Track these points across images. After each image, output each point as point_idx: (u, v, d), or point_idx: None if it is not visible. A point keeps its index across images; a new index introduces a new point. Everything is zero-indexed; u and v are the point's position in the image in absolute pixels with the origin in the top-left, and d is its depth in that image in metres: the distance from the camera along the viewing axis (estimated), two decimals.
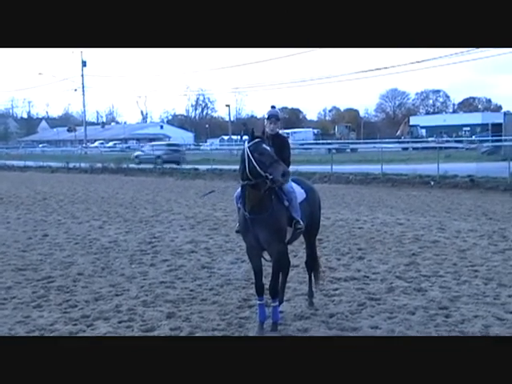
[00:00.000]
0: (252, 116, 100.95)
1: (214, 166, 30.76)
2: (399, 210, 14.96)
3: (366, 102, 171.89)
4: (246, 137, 5.95)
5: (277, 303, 6.10)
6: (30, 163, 42.31)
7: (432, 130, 67.64)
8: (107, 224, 13.40)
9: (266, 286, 6.14)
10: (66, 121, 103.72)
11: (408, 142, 52.30)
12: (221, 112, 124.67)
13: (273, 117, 6.21)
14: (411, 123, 68.91)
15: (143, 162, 36.94)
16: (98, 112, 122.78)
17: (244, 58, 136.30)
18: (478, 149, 34.98)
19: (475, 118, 73.39)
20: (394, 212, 14.62)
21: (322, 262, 7.26)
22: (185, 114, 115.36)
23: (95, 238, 11.47)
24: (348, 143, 55.62)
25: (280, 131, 6.50)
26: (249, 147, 5.66)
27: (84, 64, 66.68)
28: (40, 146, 76.78)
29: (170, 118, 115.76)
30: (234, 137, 69.43)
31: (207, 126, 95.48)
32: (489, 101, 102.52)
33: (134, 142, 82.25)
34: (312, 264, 6.95)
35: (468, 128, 69.28)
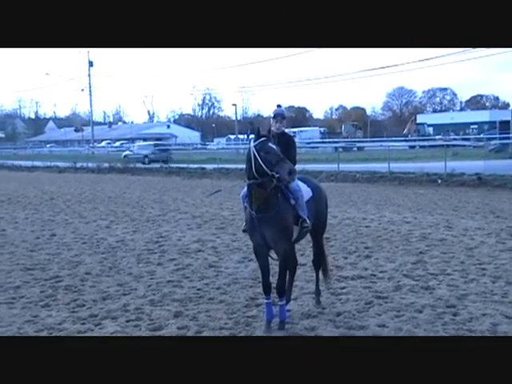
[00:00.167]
0: (258, 115, 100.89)
1: (221, 165, 30.78)
2: (406, 209, 14.92)
3: (372, 101, 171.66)
4: (252, 136, 5.95)
5: (284, 302, 6.10)
6: (37, 163, 42.51)
7: (439, 128, 67.40)
8: (114, 223, 13.45)
9: (274, 285, 6.15)
10: (73, 121, 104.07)
11: (415, 140, 52.17)
12: (227, 111, 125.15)
13: (279, 115, 6.21)
14: (418, 121, 68.65)
15: (131, 161, 38.01)
16: (104, 112, 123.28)
17: (250, 58, 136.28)
18: (486, 146, 34.86)
19: (483, 116, 73.03)
20: (401, 210, 14.59)
21: (329, 260, 7.26)
22: (191, 113, 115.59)
23: (102, 238, 11.51)
24: (355, 142, 55.59)
25: (286, 130, 6.50)
26: (255, 146, 5.66)
27: (91, 64, 66.91)
28: (47, 146, 77.18)
29: (177, 117, 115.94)
30: (241, 136, 69.43)
31: (214, 125, 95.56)
32: (496, 98, 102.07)
33: (141, 141, 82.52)
34: (320, 262, 6.94)
35: (475, 126, 68.96)
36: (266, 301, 6.09)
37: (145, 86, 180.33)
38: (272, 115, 6.25)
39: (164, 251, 10.11)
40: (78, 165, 39.22)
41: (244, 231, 6.38)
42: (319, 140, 61.67)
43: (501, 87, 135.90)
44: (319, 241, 6.91)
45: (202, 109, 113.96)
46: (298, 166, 6.03)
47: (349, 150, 45.70)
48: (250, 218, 5.93)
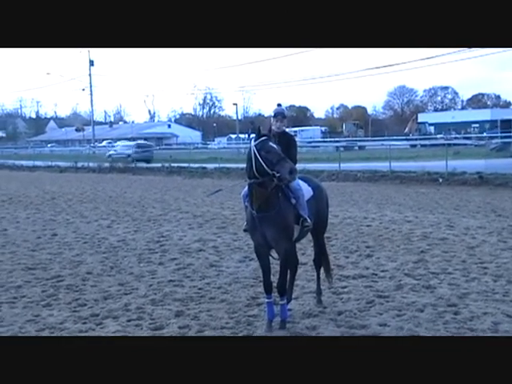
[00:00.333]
0: (259, 114, 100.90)
1: (222, 165, 30.79)
2: (407, 208, 14.91)
3: (373, 100, 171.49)
4: (253, 135, 5.95)
5: (285, 301, 6.10)
6: (38, 163, 42.55)
7: (440, 127, 67.36)
8: (116, 223, 13.46)
9: (275, 284, 6.15)
10: (74, 120, 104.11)
11: (416, 139, 52.12)
12: (228, 111, 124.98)
13: (279, 115, 6.21)
14: (419, 120, 68.67)
15: (116, 160, 39.12)
16: (105, 111, 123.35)
17: (251, 57, 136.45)
18: (487, 145, 34.83)
19: (484, 115, 72.97)
20: (402, 209, 14.58)
21: (330, 259, 7.26)
22: (192, 112, 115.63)
23: (104, 237, 11.52)
24: (356, 141, 55.57)
25: (287, 129, 6.49)
26: (255, 145, 5.66)
27: (92, 63, 66.91)
28: (48, 145, 77.22)
29: (178, 116, 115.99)
30: (242, 135, 69.46)
31: (215, 124, 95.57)
32: (498, 97, 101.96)
33: (142, 141, 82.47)
34: (321, 261, 6.94)
35: (477, 125, 68.90)
36: (267, 300, 6.09)
37: (146, 85, 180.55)
38: (272, 114, 6.25)
39: (165, 251, 10.12)
40: (79, 164, 39.28)
41: (245, 230, 6.38)
42: (320, 139, 61.64)
43: (502, 86, 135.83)
44: (320, 240, 6.91)
45: (203, 108, 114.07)
46: (298, 166, 6.03)
47: (350, 149, 45.69)
48: (250, 218, 5.93)
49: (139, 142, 51.40)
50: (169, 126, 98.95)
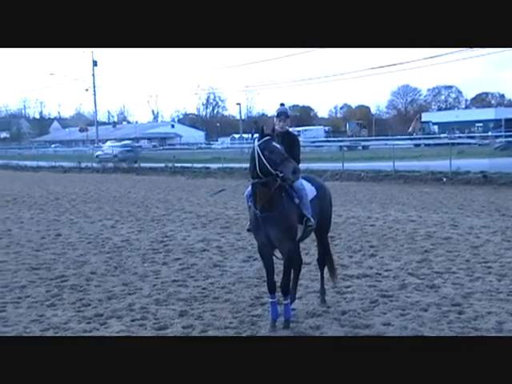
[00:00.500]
0: (263, 114, 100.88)
1: (225, 165, 30.77)
2: (411, 207, 14.89)
3: (377, 99, 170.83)
4: (256, 135, 5.95)
5: (288, 301, 6.10)
6: (42, 163, 42.61)
7: (444, 127, 67.15)
8: (119, 223, 13.48)
9: (278, 284, 6.15)
10: (78, 121, 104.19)
11: (420, 139, 52.01)
12: (232, 110, 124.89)
13: (282, 114, 6.21)
14: (423, 119, 68.46)
15: (103, 160, 40.45)
16: (109, 112, 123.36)
17: (254, 57, 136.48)
18: (491, 144, 34.73)
19: (488, 114, 72.73)
20: (406, 209, 14.56)
21: (334, 259, 7.26)
22: (196, 112, 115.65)
23: (108, 237, 11.54)
24: (359, 140, 55.50)
25: (290, 129, 6.49)
26: (259, 145, 5.66)
27: (95, 64, 66.87)
28: (52, 146, 77.30)
29: (181, 116, 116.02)
30: (245, 135, 69.43)
31: (218, 124, 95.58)
32: (502, 96, 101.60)
33: (146, 141, 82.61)
34: (325, 261, 6.94)
35: (481, 124, 68.72)
36: (270, 300, 6.10)
37: (149, 85, 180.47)
38: (276, 114, 6.25)
39: (169, 251, 10.13)
40: (83, 165, 39.36)
41: (248, 230, 6.38)
42: (324, 139, 61.58)
43: (506, 85, 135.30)
44: (324, 240, 6.91)
45: (207, 108, 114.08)
46: (302, 165, 6.03)
47: (353, 149, 45.58)
48: (254, 218, 5.93)
49: (125, 142, 52.92)
50: (172, 126, 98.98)
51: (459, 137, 49.39)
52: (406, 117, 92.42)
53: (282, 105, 6.35)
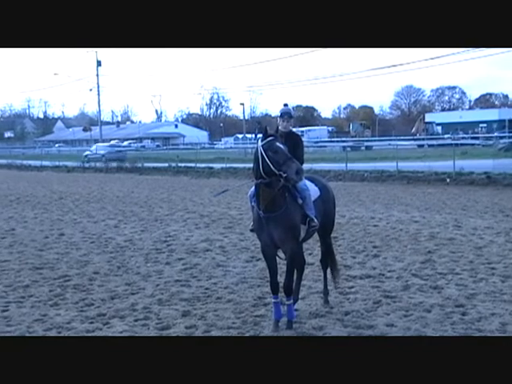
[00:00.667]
0: (266, 114, 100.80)
1: (229, 165, 30.79)
2: (415, 208, 14.87)
3: (380, 99, 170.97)
4: (260, 135, 5.95)
5: (291, 301, 6.09)
6: (46, 163, 42.74)
7: (448, 127, 67.08)
8: (123, 223, 13.49)
9: (281, 284, 6.14)
10: (82, 120, 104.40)
11: (423, 139, 51.95)
12: (235, 110, 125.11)
13: (286, 114, 6.20)
14: (427, 120, 68.41)
15: (91, 160, 41.97)
16: (113, 111, 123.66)
17: (258, 57, 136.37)
18: (495, 145, 34.67)
19: (492, 115, 72.65)
20: (409, 209, 14.54)
21: (337, 259, 7.25)
22: (199, 112, 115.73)
23: (111, 237, 11.55)
24: (363, 141, 55.45)
25: (293, 129, 6.48)
26: (262, 145, 5.66)
27: (99, 64, 66.91)
28: (56, 145, 77.50)
29: (185, 116, 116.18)
30: (249, 135, 69.46)
31: (222, 124, 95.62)
32: (506, 96, 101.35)
33: (149, 141, 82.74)
34: (328, 261, 6.93)
35: (484, 124, 68.61)
36: (273, 300, 6.09)
37: (153, 85, 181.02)
38: (279, 114, 6.25)
39: (172, 250, 10.13)
40: (87, 164, 39.47)
41: (252, 231, 6.38)
42: (327, 139, 61.58)
43: (510, 86, 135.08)
44: (327, 240, 6.90)
45: (210, 108, 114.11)
46: (305, 166, 6.02)
47: (357, 149, 45.56)
48: (257, 218, 5.93)
49: (112, 143, 54.60)
50: (176, 125, 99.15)
51: (463, 137, 49.34)
52: (409, 117, 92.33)
53: (286, 105, 6.35)
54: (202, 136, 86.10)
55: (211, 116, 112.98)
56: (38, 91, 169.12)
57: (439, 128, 68.17)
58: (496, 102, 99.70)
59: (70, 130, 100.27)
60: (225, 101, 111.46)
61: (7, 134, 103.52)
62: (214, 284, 7.85)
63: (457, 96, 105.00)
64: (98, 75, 66.27)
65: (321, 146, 49.62)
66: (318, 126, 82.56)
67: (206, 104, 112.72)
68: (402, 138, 52.05)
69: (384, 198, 17.48)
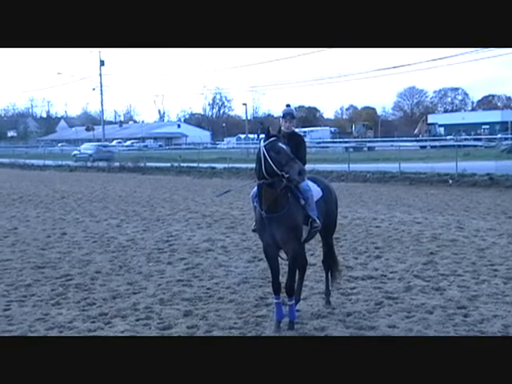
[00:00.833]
0: (269, 115, 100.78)
1: (231, 165, 30.79)
2: (417, 209, 14.85)
3: (383, 100, 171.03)
4: (262, 135, 5.94)
5: (293, 302, 6.09)
6: (49, 162, 42.79)
7: (450, 128, 67.02)
8: (125, 222, 13.50)
9: (283, 285, 6.14)
10: (85, 120, 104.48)
11: (426, 141, 51.91)
12: (238, 111, 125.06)
13: (288, 115, 6.20)
14: (429, 121, 68.30)
15: (79, 159, 43.10)
16: (115, 111, 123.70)
17: (261, 57, 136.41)
18: (498, 147, 34.63)
19: (494, 116, 72.53)
20: (411, 211, 14.52)
21: (339, 260, 7.24)
22: (202, 112, 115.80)
23: (113, 237, 11.56)
24: (365, 142, 55.43)
25: (296, 130, 6.48)
26: (265, 146, 5.65)
27: (102, 63, 67.01)
28: (59, 145, 77.60)
29: (187, 116, 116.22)
30: (251, 135, 69.45)
31: (224, 124, 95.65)
32: (508, 98, 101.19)
33: (152, 141, 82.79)
34: (330, 262, 6.93)
35: (487, 126, 68.52)
36: (275, 301, 6.08)
37: (155, 85, 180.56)
38: (281, 115, 6.25)
39: (174, 250, 10.13)
40: (89, 164, 39.52)
41: (254, 231, 6.38)
42: (329, 140, 61.54)
43: None
44: (329, 241, 6.89)
45: (213, 108, 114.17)
46: (308, 166, 6.02)
47: (359, 150, 45.57)
48: (259, 218, 5.93)
49: (100, 143, 55.36)
50: (178, 125, 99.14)
51: (465, 139, 49.29)
52: (412, 118, 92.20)
53: (288, 105, 6.35)
54: (204, 136, 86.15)
55: (214, 116, 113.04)
56: (41, 90, 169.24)
57: (442, 129, 68.09)
58: (499, 104, 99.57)
59: (73, 129, 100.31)
60: (227, 101, 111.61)
61: (10, 133, 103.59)
62: (216, 284, 7.85)
63: (459, 97, 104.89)
64: (101, 75, 66.40)
65: (323, 147, 49.60)
66: (320, 126, 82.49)
67: (209, 104, 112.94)
68: (404, 139, 51.99)
69: (386, 199, 17.47)
